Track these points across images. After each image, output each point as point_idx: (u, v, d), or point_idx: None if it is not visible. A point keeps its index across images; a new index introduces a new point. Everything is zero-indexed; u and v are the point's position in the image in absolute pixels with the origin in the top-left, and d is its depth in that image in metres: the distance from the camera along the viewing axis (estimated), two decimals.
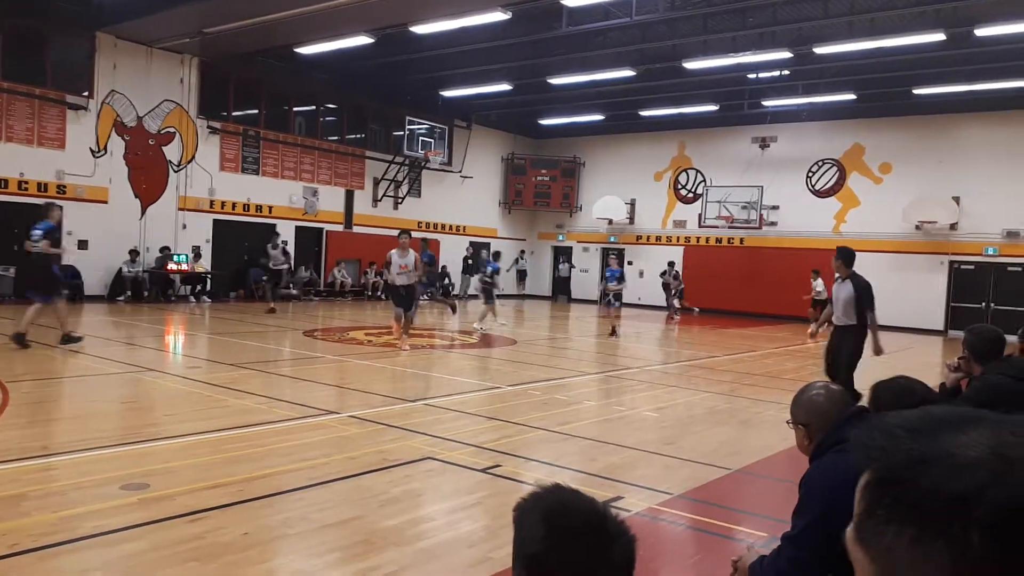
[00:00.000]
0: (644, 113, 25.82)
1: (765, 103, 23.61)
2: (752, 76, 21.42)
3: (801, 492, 2.50)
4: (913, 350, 17.38)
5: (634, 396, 9.60)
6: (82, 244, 18.78)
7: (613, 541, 1.08)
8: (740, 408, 8.89)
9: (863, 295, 7.98)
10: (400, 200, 26.00)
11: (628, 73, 20.62)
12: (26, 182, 17.83)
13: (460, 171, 27.85)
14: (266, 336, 14.00)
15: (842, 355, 8.08)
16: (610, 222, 28.26)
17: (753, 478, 6.17)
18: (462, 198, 28.18)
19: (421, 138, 25.30)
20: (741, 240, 26.18)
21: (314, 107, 24.27)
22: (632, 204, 28.44)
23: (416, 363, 11.35)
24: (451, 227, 27.96)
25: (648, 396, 9.50)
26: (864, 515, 0.76)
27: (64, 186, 18.44)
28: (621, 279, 17.94)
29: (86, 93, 18.81)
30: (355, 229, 24.90)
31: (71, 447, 5.79)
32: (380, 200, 25.56)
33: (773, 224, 25.44)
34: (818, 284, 20.97)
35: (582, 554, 1.06)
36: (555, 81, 21.91)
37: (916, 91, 21.13)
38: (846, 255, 8.23)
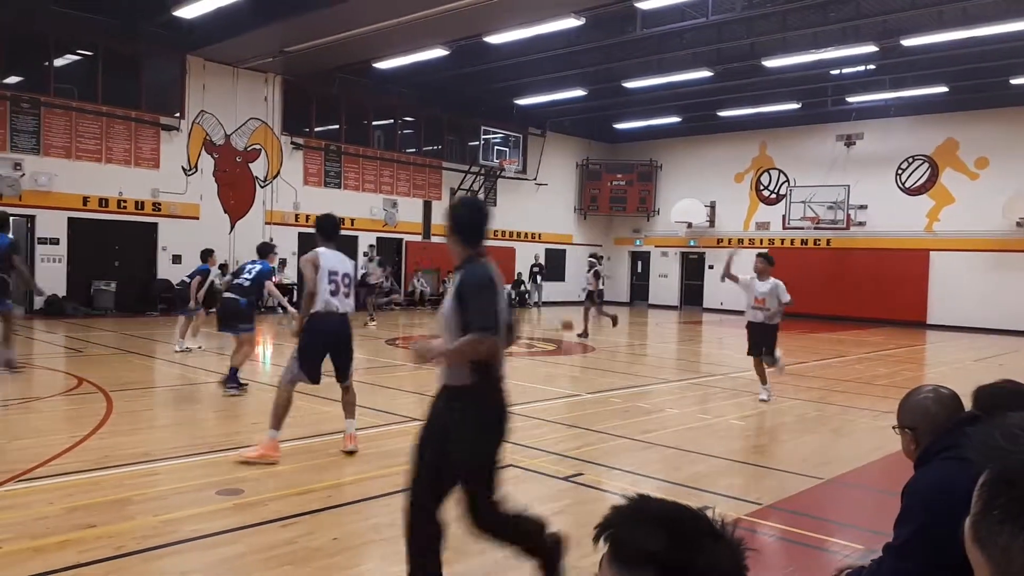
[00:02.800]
0: (723, 113, 25.32)
1: (850, 99, 22.81)
2: (835, 72, 20.73)
3: (904, 500, 2.38)
4: (1018, 353, 16.43)
5: (719, 404, 9.39)
6: (176, 259, 19.69)
7: (730, 542, 1.06)
8: (830, 416, 8.58)
9: (470, 296, 3.34)
10: None
11: (705, 74, 20.28)
12: (124, 200, 18.82)
13: (535, 178, 27.92)
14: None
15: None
16: (689, 225, 27.79)
17: (847, 488, 5.93)
18: (537, 205, 28.23)
19: (496, 147, 25.52)
20: (828, 241, 25.33)
21: (392, 120, 24.79)
22: (712, 206, 27.90)
23: None
24: (527, 235, 28.00)
25: (733, 404, 9.27)
26: (980, 515, 0.76)
27: (159, 203, 19.37)
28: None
29: (178, 114, 19.74)
30: (433, 239, 25.26)
31: (170, 454, 6.05)
32: None
33: (861, 224, 24.51)
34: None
35: (710, 557, 1.03)
36: (630, 85, 21.72)
37: (1013, 81, 20.02)
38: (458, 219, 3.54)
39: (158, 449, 6.16)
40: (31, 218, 17.54)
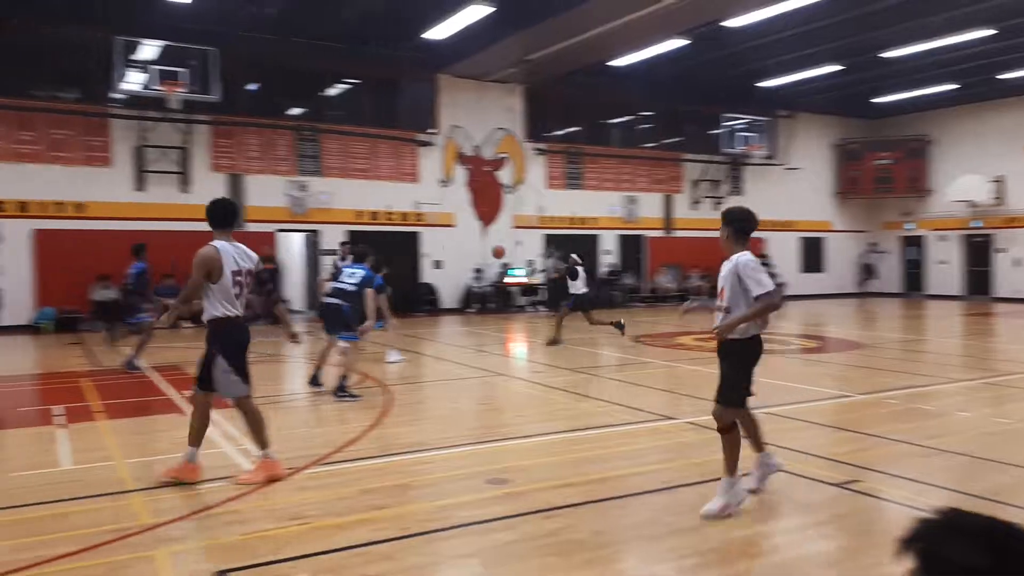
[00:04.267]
0: (1006, 76, 22.13)
1: None
2: None
3: None
4: None
5: (1021, 406, 8.19)
6: (437, 264, 21.29)
7: None
8: None
9: None
10: (720, 200, 25.37)
11: (985, 33, 17.84)
12: (391, 213, 20.69)
13: (785, 163, 26.37)
14: (597, 342, 14.52)
15: None
16: (972, 205, 24.65)
17: None
18: (788, 191, 26.62)
19: (740, 134, 24.52)
20: None
21: (629, 117, 24.78)
22: (999, 182, 24.50)
23: None
24: (779, 223, 26.47)
25: None
26: None
27: (420, 215, 21.04)
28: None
29: (432, 130, 21.30)
30: (675, 233, 24.85)
31: (442, 443, 6.51)
32: (699, 202, 25.21)
33: None
34: None
35: None
36: (890, 54, 19.74)
37: None
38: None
39: (432, 439, 6.65)
40: (315, 232, 19.89)
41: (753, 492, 4.88)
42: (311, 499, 4.93)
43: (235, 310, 5.22)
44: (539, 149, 22.81)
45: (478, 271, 21.57)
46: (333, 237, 19.87)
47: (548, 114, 23.18)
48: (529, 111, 22.63)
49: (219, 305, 5.17)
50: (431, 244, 21.17)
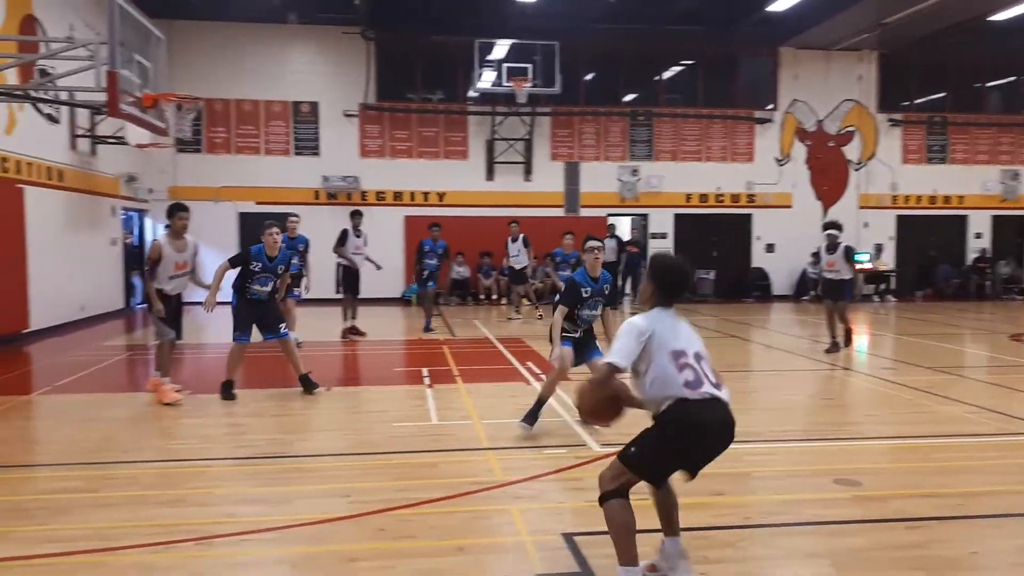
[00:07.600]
0: None
1: None
2: None
3: None
4: None
5: None
6: (769, 248, 20.31)
7: None
8: None
9: None
10: None
11: None
12: (722, 195, 20.15)
13: None
14: (961, 339, 12.77)
15: None
16: None
17: None
18: None
19: None
20: None
21: (1011, 78, 21.19)
22: None
23: None
24: None
25: None
26: None
27: (753, 195, 20.20)
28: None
29: (771, 106, 20.27)
30: None
31: (781, 436, 6.20)
32: None
33: None
34: None
35: None
36: None
37: None
38: None
39: (769, 430, 6.37)
40: (645, 216, 20.13)
41: None
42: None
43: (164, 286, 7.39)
44: (894, 120, 20.52)
45: (815, 255, 20.09)
46: (661, 220, 19.98)
47: (906, 81, 20.74)
48: (883, 79, 20.46)
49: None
50: (763, 226, 20.25)
